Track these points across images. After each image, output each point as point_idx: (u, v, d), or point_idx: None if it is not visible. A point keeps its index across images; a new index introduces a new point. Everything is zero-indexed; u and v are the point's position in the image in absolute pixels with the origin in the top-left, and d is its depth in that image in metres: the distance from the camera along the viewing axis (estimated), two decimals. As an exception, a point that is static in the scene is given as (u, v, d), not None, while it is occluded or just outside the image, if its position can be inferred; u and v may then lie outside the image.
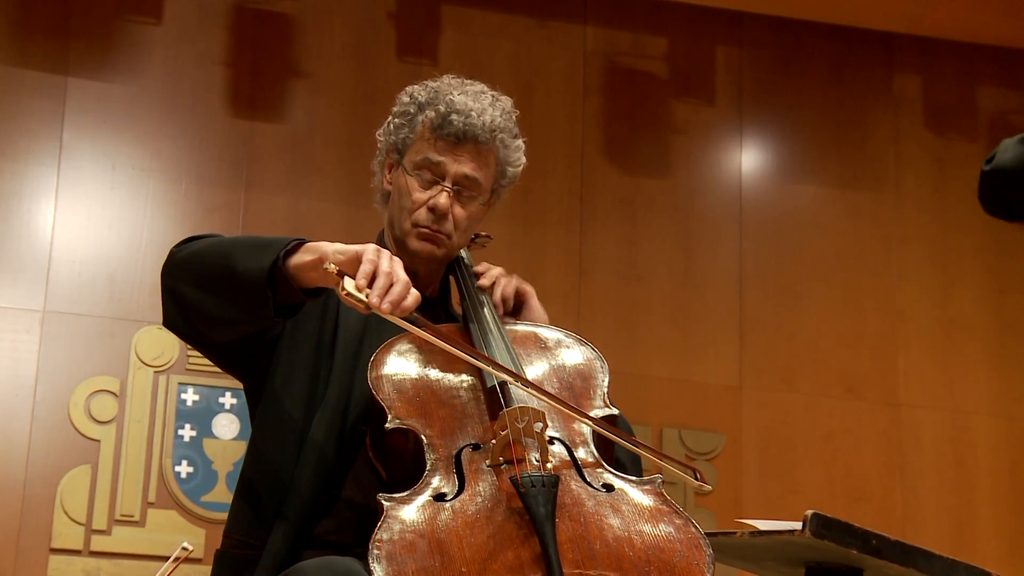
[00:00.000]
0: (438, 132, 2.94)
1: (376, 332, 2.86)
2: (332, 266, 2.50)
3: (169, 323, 2.82)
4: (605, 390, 2.81)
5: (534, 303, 3.04)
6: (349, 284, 2.48)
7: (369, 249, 2.55)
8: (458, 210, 2.95)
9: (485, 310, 2.93)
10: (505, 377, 2.65)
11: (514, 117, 3.03)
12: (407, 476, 2.60)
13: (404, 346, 2.77)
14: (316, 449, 2.76)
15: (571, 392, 2.80)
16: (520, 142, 3.04)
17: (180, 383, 5.99)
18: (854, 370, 6.67)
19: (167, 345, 5.96)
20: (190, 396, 5.98)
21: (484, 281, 3.00)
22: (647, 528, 2.47)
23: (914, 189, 6.93)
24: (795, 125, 6.89)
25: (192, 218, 6.08)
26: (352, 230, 5.80)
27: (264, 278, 2.59)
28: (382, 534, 2.40)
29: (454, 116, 2.92)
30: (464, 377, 2.76)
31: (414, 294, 2.52)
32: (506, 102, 3.03)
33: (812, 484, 6.51)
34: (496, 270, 3.04)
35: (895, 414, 6.64)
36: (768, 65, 6.90)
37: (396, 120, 3.01)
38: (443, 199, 2.92)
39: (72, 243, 6.01)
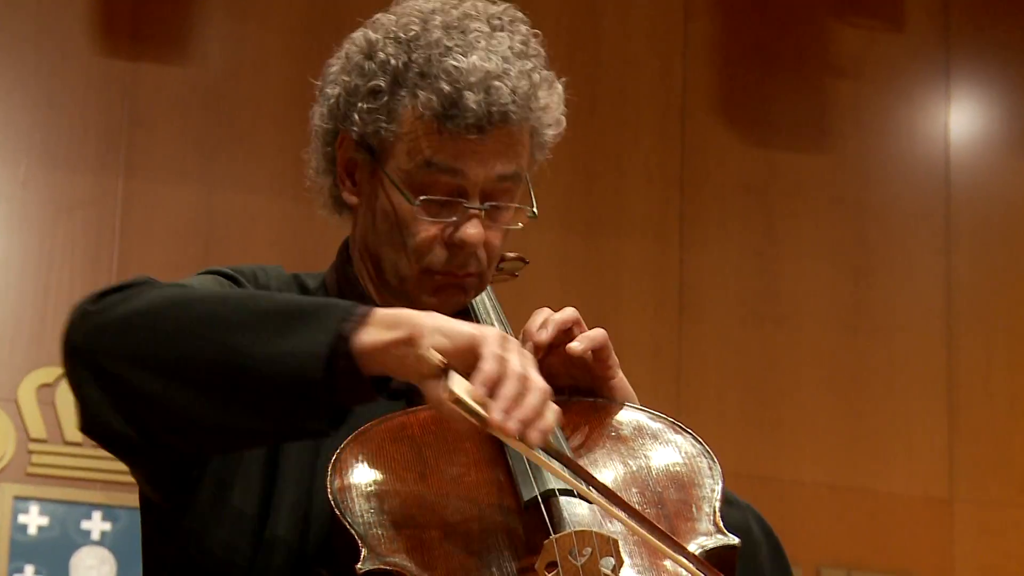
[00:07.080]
0: (446, 124, 2.79)
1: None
2: (436, 355, 2.44)
3: (97, 429, 2.64)
4: (716, 505, 2.69)
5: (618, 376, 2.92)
6: (459, 386, 2.42)
7: (490, 337, 2.45)
8: (492, 234, 2.88)
9: None
10: (560, 475, 2.60)
11: (536, 43, 2.90)
12: None
13: (384, 437, 2.71)
14: None
15: (661, 509, 2.66)
16: (559, 86, 2.95)
17: (17, 497, 6.03)
18: None
19: (-1, 436, 6.06)
20: (34, 519, 6.03)
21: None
22: None
23: None
24: (1036, 65, 6.70)
25: (36, 223, 6.15)
26: (297, 239, 5.89)
27: (320, 371, 2.47)
28: None
29: (468, 95, 2.77)
30: (481, 485, 2.69)
31: (554, 409, 2.44)
32: (521, 24, 2.90)
33: (1075, 657, 6.35)
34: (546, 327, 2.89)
35: None
36: (992, -32, 6.80)
37: (362, 104, 2.88)
38: (473, 230, 2.84)
39: None
